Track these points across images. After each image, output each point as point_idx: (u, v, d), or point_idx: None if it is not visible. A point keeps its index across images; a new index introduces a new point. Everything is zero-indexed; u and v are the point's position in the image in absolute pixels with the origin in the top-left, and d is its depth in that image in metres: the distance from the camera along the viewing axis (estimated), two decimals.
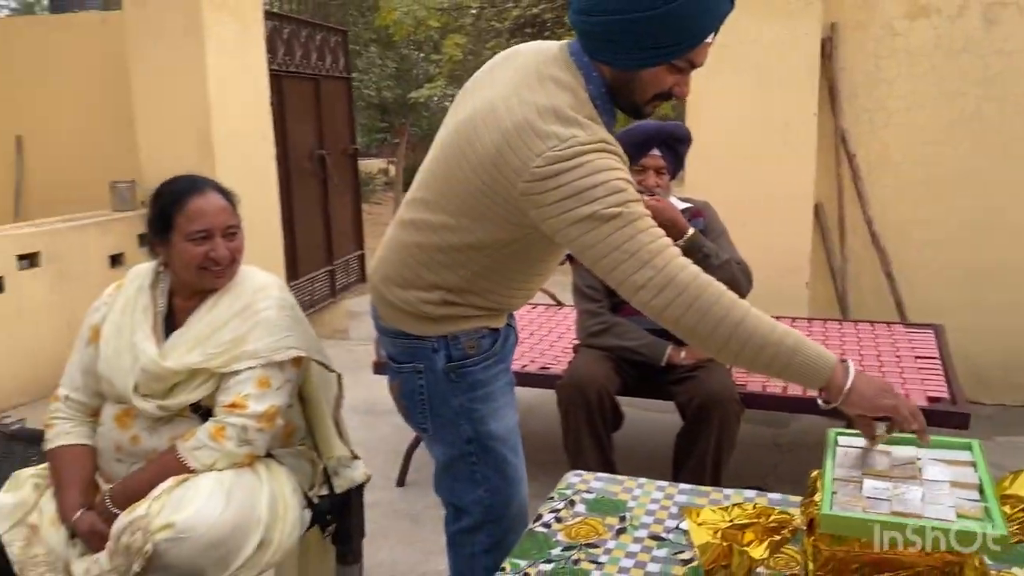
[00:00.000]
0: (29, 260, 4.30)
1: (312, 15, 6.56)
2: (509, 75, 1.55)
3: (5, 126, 5.78)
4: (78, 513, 1.68)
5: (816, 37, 3.60)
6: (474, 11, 13.71)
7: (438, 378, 1.70)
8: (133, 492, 1.65)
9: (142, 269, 1.88)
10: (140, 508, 1.57)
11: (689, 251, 2.53)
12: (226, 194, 1.81)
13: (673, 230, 2.55)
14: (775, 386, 2.73)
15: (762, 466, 3.26)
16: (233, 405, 1.71)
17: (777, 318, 3.41)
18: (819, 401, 1.43)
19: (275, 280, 1.88)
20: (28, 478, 1.80)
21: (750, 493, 1.63)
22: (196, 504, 1.57)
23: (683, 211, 2.70)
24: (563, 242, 1.47)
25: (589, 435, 2.55)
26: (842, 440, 1.39)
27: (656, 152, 2.64)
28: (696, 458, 2.52)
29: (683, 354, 2.67)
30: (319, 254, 6.29)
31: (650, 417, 3.58)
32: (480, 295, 1.65)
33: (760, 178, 3.73)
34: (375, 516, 2.93)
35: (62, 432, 1.81)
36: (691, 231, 2.57)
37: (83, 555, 1.65)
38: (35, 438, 2.19)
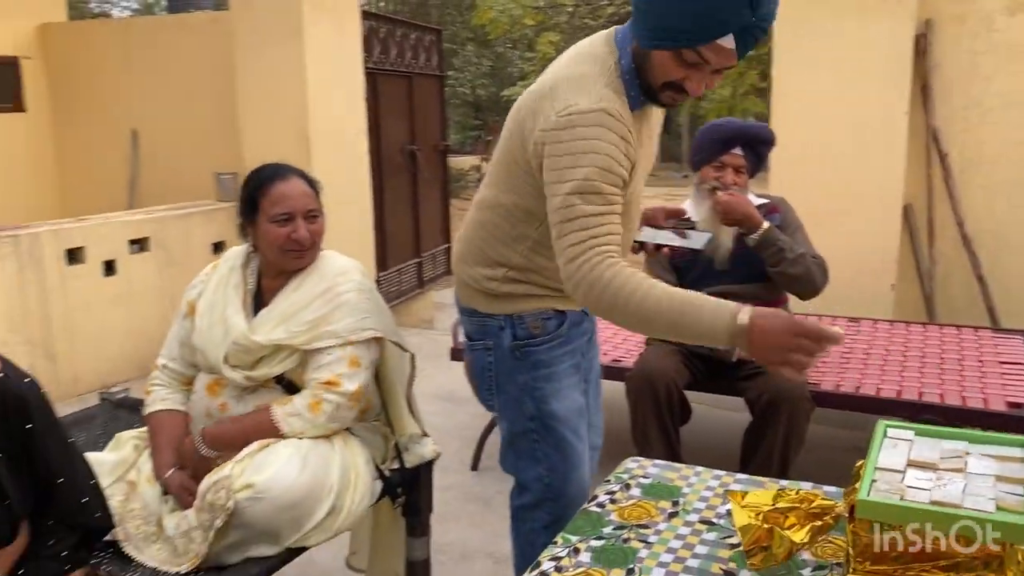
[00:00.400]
0: (139, 245, 4.61)
1: (412, 14, 6.78)
2: (562, 60, 1.66)
3: (123, 121, 6.17)
4: (170, 471, 1.83)
5: (909, 33, 3.51)
6: (569, 9, 13.76)
7: (504, 355, 1.80)
8: (224, 438, 1.80)
9: (235, 251, 2.02)
10: (225, 469, 1.70)
11: (763, 245, 2.55)
12: (309, 180, 1.93)
13: (747, 224, 2.58)
14: (848, 385, 2.70)
15: (839, 468, 3.18)
16: (329, 383, 1.83)
17: (858, 320, 3.35)
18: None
19: (355, 264, 2.00)
20: (129, 439, 1.98)
21: (806, 485, 1.64)
22: (274, 468, 1.69)
23: (758, 207, 2.71)
24: None
25: (656, 427, 2.58)
26: (891, 432, 1.39)
27: (738, 151, 2.67)
28: (763, 454, 2.52)
29: None
30: (408, 246, 6.48)
31: (721, 415, 3.58)
32: (539, 272, 1.73)
33: (847, 177, 3.66)
34: (448, 499, 3.04)
35: (159, 398, 1.97)
36: (765, 225, 2.59)
37: (174, 511, 1.80)
38: (137, 406, 2.39)
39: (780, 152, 3.76)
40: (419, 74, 6.51)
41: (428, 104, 6.72)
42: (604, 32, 1.65)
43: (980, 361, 2.92)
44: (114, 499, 1.80)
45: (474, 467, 3.30)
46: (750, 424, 2.62)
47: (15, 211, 6.04)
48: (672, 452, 2.60)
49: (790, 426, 2.48)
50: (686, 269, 2.81)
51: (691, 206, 2.71)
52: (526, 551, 1.91)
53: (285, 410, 1.81)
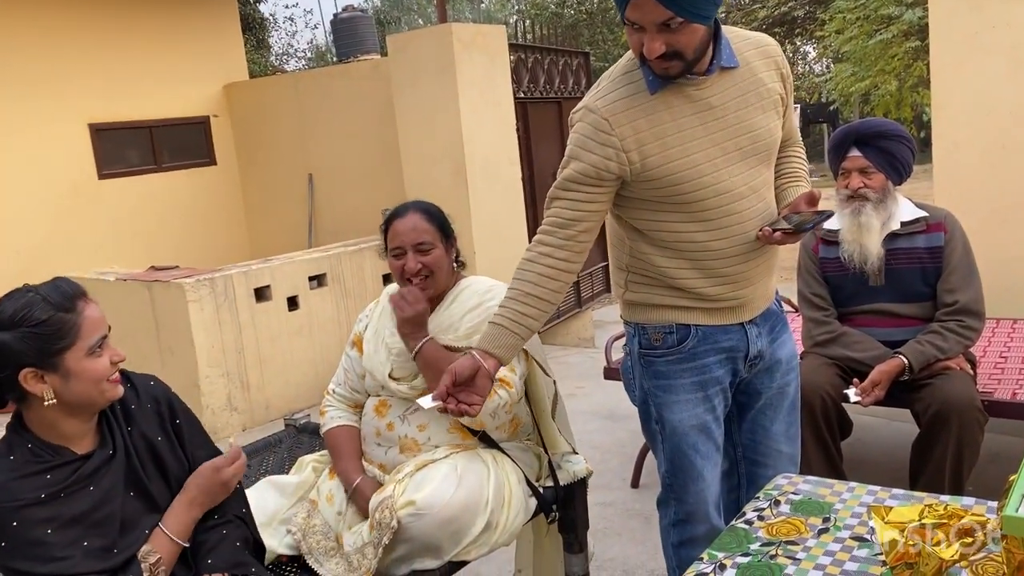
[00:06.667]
0: (317, 280, 4.99)
1: (562, 37, 6.84)
2: None
3: (300, 166, 6.70)
4: (359, 478, 2.02)
5: None
6: (721, 15, 13.49)
7: (635, 360, 1.91)
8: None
9: (394, 286, 2.20)
10: (387, 489, 1.85)
11: (921, 368, 2.53)
12: (431, 214, 2.08)
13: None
14: None
15: None
16: (501, 380, 1.97)
17: None
18: None
19: (500, 284, 2.13)
20: (309, 462, 2.19)
21: (968, 500, 1.58)
22: (433, 485, 1.83)
23: (916, 220, 2.59)
24: None
25: (815, 443, 2.51)
26: None
27: (855, 152, 2.56)
28: (933, 469, 2.40)
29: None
30: None
31: (892, 427, 3.42)
32: (654, 269, 1.80)
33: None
34: (609, 515, 3.09)
35: (334, 417, 2.18)
36: (905, 362, 2.52)
37: (350, 527, 1.97)
38: (316, 430, 2.61)
39: (944, 150, 3.58)
40: (568, 98, 6.64)
41: None
42: None
43: None
44: (298, 516, 2.01)
45: (634, 484, 3.33)
46: (917, 437, 2.50)
47: (212, 254, 6.71)
48: (833, 468, 2.52)
49: (961, 438, 2.35)
50: (838, 286, 2.71)
51: (836, 214, 2.60)
52: (664, 547, 2.00)
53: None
